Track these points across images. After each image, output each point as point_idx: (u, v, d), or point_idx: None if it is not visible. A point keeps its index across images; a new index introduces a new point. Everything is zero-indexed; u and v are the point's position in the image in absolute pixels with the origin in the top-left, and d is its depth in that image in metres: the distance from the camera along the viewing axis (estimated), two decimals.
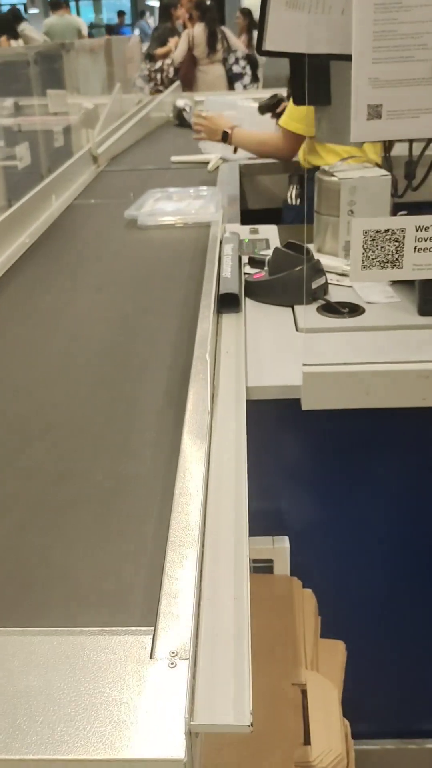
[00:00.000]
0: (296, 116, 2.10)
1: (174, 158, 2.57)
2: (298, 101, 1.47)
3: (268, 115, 2.53)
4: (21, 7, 17.41)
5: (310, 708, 0.92)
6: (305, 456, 1.17)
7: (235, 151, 2.47)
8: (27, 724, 0.52)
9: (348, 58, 1.05)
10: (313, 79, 1.25)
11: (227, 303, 1.20)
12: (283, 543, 1.08)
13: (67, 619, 0.63)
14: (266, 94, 2.69)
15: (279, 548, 1.07)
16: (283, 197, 2.47)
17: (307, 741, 0.90)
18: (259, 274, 1.29)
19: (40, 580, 0.68)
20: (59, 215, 1.98)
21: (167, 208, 1.90)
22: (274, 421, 1.13)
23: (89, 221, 1.98)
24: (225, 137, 2.40)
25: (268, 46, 1.09)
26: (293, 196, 2.46)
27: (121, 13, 13.93)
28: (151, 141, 3.22)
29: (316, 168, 1.66)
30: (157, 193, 2.04)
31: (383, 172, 1.39)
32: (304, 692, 0.95)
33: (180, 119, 3.52)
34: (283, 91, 2.56)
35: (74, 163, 2.34)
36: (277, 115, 2.44)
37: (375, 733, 1.35)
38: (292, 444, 1.17)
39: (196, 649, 0.58)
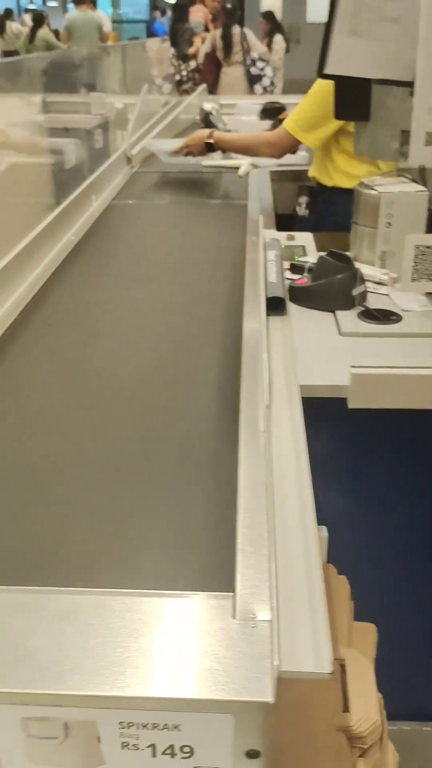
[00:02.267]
0: (304, 126, 2.10)
1: (205, 162, 2.65)
2: (340, 116, 1.55)
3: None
4: (39, 0, 17.48)
5: (349, 680, 1.01)
6: (343, 451, 1.26)
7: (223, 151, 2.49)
8: (145, 670, 0.61)
9: (397, 83, 1.14)
10: (356, 98, 1.33)
11: (273, 306, 1.28)
12: (323, 533, 1.16)
13: (157, 581, 0.71)
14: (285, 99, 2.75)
15: (319, 537, 1.15)
16: (291, 205, 2.53)
17: (346, 709, 0.98)
18: (302, 280, 1.37)
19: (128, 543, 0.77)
20: (99, 215, 2.06)
21: None
22: (315, 418, 1.22)
23: (129, 220, 2.06)
24: (210, 146, 2.41)
25: (328, 70, 1.17)
26: (303, 206, 2.51)
27: (154, 8, 13.96)
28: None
29: (326, 187, 1.74)
30: None
31: (420, 187, 1.48)
32: (342, 666, 1.04)
33: (206, 122, 3.59)
34: (300, 98, 2.62)
35: (111, 164, 2.42)
36: (279, 121, 2.48)
37: (403, 714, 1.43)
38: (330, 440, 1.25)
39: (275, 610, 0.67)
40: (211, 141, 2.38)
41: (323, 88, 1.94)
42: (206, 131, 2.47)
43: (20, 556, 0.77)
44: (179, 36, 6.94)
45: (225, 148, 2.44)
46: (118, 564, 0.76)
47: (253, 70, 6.88)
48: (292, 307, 1.35)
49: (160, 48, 3.97)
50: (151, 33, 12.52)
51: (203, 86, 4.57)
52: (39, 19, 8.87)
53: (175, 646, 0.63)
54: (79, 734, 0.62)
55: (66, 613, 0.67)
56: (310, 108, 2.06)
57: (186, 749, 0.62)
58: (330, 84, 1.86)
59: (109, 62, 2.87)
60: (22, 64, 1.99)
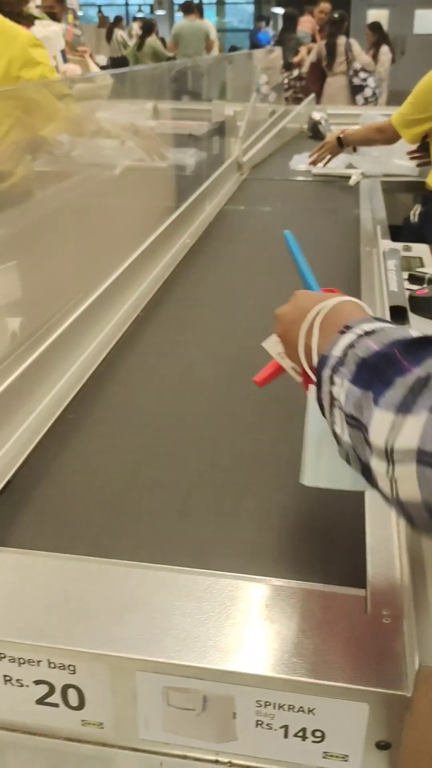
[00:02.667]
0: (403, 123, 2.25)
1: (315, 170, 2.67)
2: None
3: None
4: (147, 8, 17.90)
5: None
6: None
7: (354, 150, 2.68)
8: (285, 654, 0.64)
9: None
10: None
11: (394, 315, 1.29)
12: None
13: (294, 574, 0.74)
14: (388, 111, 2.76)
15: None
16: (400, 215, 2.53)
17: None
18: (423, 290, 1.37)
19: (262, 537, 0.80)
20: (212, 219, 2.11)
21: None
22: None
23: (240, 225, 2.10)
24: (340, 142, 2.56)
25: None
26: (415, 214, 2.52)
27: (259, 18, 14.13)
28: (287, 152, 3.33)
29: None
30: None
31: None
32: None
33: (314, 131, 3.62)
34: None
35: (224, 170, 2.47)
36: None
37: None
38: None
39: (410, 605, 0.68)
40: (341, 136, 2.56)
41: (420, 91, 2.17)
42: (337, 131, 2.64)
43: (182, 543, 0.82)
44: (285, 45, 7.00)
45: (350, 142, 2.58)
46: (254, 553, 0.79)
47: (356, 81, 6.84)
48: (412, 318, 1.36)
49: (269, 57, 4.01)
50: (254, 42, 12.62)
51: (312, 96, 4.58)
52: (149, 27, 9.09)
53: (314, 634, 0.65)
54: (216, 708, 0.65)
55: (203, 593, 0.71)
56: (407, 109, 2.23)
57: (318, 734, 0.64)
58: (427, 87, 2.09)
59: (219, 70, 2.93)
60: (150, 72, 2.07)
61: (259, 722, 0.65)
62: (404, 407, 0.47)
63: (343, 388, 0.54)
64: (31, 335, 1.13)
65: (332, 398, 0.56)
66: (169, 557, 0.76)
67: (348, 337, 0.57)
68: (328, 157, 2.63)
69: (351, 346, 0.55)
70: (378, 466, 0.49)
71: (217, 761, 0.68)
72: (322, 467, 0.68)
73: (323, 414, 0.59)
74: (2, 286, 1.08)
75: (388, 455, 0.48)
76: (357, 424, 0.52)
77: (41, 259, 1.24)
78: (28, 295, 1.13)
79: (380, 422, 0.48)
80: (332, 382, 0.56)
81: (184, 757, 0.68)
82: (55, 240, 1.31)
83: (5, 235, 1.22)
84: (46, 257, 1.26)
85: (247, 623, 0.67)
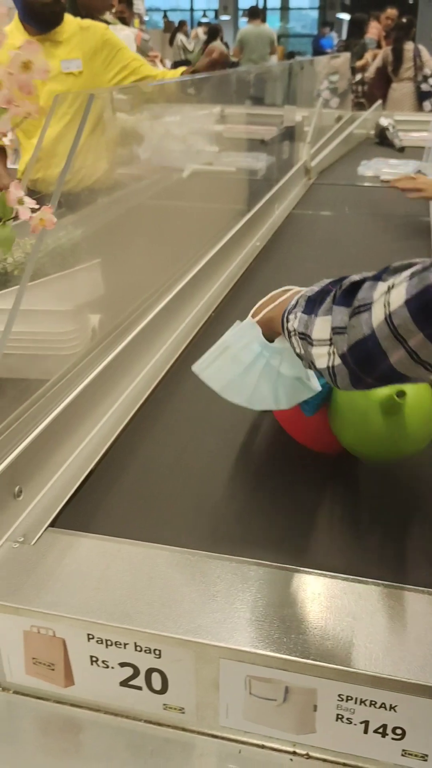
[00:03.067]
0: None
1: (384, 177, 2.66)
2: None
3: None
4: (212, 13, 18.03)
5: None
6: None
7: None
8: (370, 650, 0.65)
9: None
10: None
11: None
12: None
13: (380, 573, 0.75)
14: None
15: None
16: None
17: None
18: None
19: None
20: (281, 223, 2.13)
21: None
22: None
23: (308, 229, 2.11)
24: None
25: None
26: None
27: (324, 24, 14.14)
28: (354, 157, 3.32)
29: None
30: None
31: None
32: None
33: (381, 137, 3.60)
34: None
35: (292, 174, 2.49)
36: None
37: None
38: None
39: None
40: None
41: None
42: None
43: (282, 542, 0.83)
44: (351, 50, 6.97)
45: None
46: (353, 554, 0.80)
47: (424, 87, 6.76)
48: None
49: (334, 63, 4.00)
50: (317, 48, 12.60)
51: (378, 102, 4.56)
52: (214, 32, 9.18)
53: (400, 632, 0.66)
54: (297, 699, 0.66)
55: (286, 588, 0.72)
56: None
57: (398, 731, 0.65)
58: None
59: (286, 76, 2.94)
60: (219, 78, 2.09)
61: (340, 716, 0.66)
62: (327, 311, 0.69)
63: (296, 319, 0.75)
64: (113, 331, 1.16)
65: (289, 332, 0.76)
66: (250, 551, 0.78)
67: (301, 293, 0.77)
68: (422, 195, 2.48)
69: (302, 295, 0.76)
70: (318, 351, 0.70)
71: (294, 752, 0.69)
72: (212, 367, 0.88)
73: (294, 350, 0.77)
74: (89, 283, 1.11)
75: (324, 342, 0.68)
76: (304, 336, 0.72)
77: (123, 257, 1.28)
78: (110, 292, 1.16)
79: (317, 325, 0.70)
80: (287, 320, 0.77)
81: (262, 747, 0.70)
82: (135, 238, 1.34)
83: (90, 232, 1.26)
84: (127, 256, 1.29)
85: (331, 618, 0.68)
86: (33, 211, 0.68)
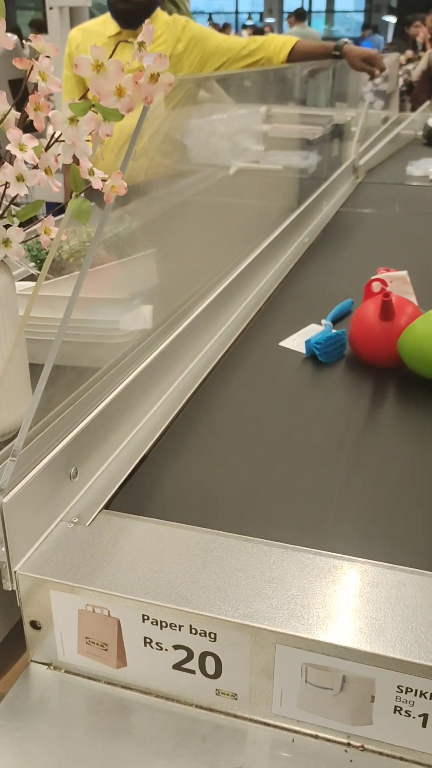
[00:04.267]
0: None
1: None
2: None
3: None
4: (257, 16, 18.07)
5: None
6: None
7: None
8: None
9: None
10: None
11: None
12: None
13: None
14: None
15: None
16: None
17: None
18: None
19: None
20: (329, 221, 2.11)
21: None
22: None
23: (357, 227, 2.09)
24: None
25: None
26: None
27: (365, 27, 14.12)
28: (401, 158, 3.29)
29: None
30: None
31: None
32: None
33: (429, 138, 3.56)
34: None
35: (342, 172, 2.47)
36: None
37: None
38: None
39: None
40: None
41: None
42: None
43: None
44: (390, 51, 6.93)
45: None
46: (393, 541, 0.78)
47: None
48: None
49: (389, 64, 3.98)
50: None
51: (427, 103, 4.51)
52: (259, 34, 9.20)
53: None
54: (355, 689, 0.65)
55: (342, 577, 0.71)
56: None
57: None
58: None
59: (330, 76, 2.93)
60: (263, 77, 2.10)
61: (398, 708, 0.64)
62: None
63: None
64: (165, 321, 1.16)
65: None
66: (303, 540, 0.77)
67: None
68: None
69: None
70: None
71: (349, 744, 0.68)
72: None
73: None
74: (143, 273, 1.12)
75: None
76: None
77: (176, 249, 1.28)
78: (163, 282, 1.17)
79: None
80: None
81: (316, 737, 0.69)
82: (188, 231, 1.34)
83: (141, 226, 1.27)
84: (178, 248, 1.29)
85: (388, 608, 0.67)
86: (103, 181, 0.69)
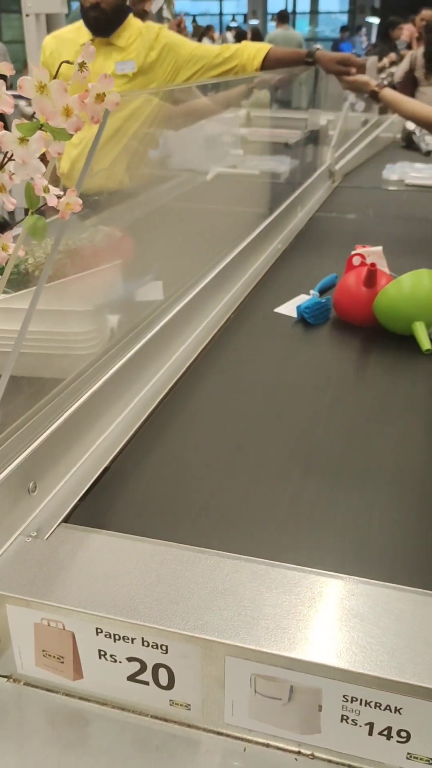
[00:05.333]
0: None
1: (409, 181, 2.65)
2: None
3: None
4: (240, 18, 18.08)
5: None
6: None
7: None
8: (377, 652, 0.65)
9: None
10: None
11: None
12: None
13: (388, 575, 0.75)
14: None
15: None
16: None
17: None
18: None
19: None
20: (303, 226, 2.13)
21: None
22: None
23: (331, 233, 2.11)
24: (374, 95, 2.29)
25: None
26: None
27: (344, 29, 14.16)
28: (379, 161, 3.31)
29: None
30: None
31: None
32: None
33: (408, 141, 3.58)
34: None
35: (317, 178, 2.49)
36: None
37: None
38: None
39: None
40: (377, 90, 2.25)
41: None
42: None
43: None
44: (380, 54, 6.96)
45: (388, 106, 2.31)
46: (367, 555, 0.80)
47: None
48: None
49: (368, 67, 4.00)
50: (336, 51, 12.63)
51: None
52: (243, 36, 9.22)
53: (406, 634, 0.66)
54: (302, 699, 0.66)
55: (293, 587, 0.72)
56: None
57: (403, 734, 0.64)
58: None
59: (311, 80, 2.94)
60: (244, 82, 2.11)
61: (345, 717, 0.66)
62: None
63: None
64: (133, 329, 1.17)
65: None
66: (259, 551, 0.78)
67: None
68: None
69: None
70: None
71: (299, 752, 0.69)
72: None
73: None
74: (109, 284, 1.12)
75: None
76: None
77: (144, 258, 1.29)
78: (131, 291, 1.18)
79: None
80: None
81: (267, 746, 0.70)
82: (156, 240, 1.35)
83: (111, 233, 1.28)
84: (148, 255, 1.30)
85: (336, 619, 0.68)
86: (58, 198, 0.70)
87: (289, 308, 1.48)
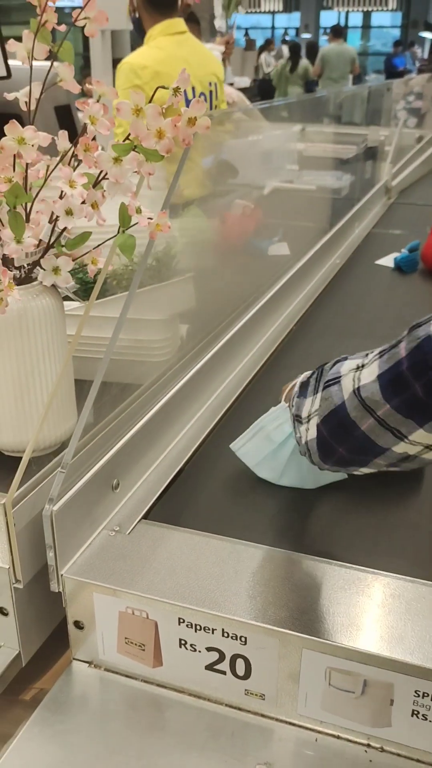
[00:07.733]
0: None
1: None
2: None
3: None
4: (292, 32, 18.17)
5: None
6: None
7: None
8: None
9: None
10: None
11: None
12: None
13: None
14: None
15: None
16: None
17: None
18: None
19: None
20: (360, 242, 2.16)
21: None
22: None
23: (389, 249, 2.13)
24: None
25: None
26: None
27: (396, 43, 14.12)
28: None
29: None
30: None
31: None
32: None
33: None
34: None
35: (374, 194, 2.51)
36: None
37: None
38: None
39: None
40: None
41: None
42: None
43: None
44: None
45: None
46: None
47: None
48: None
49: (412, 83, 4.02)
50: (389, 66, 12.61)
51: None
52: (298, 50, 9.31)
53: None
54: (375, 693, 0.70)
55: (366, 588, 0.76)
56: None
57: None
58: None
59: (365, 96, 2.98)
60: (306, 101, 2.16)
61: (416, 712, 0.69)
62: (312, 391, 0.79)
63: (294, 404, 0.83)
64: (201, 340, 1.22)
65: (293, 416, 0.83)
66: (334, 553, 0.82)
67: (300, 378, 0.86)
68: None
69: (300, 381, 0.85)
70: (300, 428, 0.80)
71: (369, 745, 0.72)
72: (247, 446, 0.97)
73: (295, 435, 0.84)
74: (182, 294, 1.17)
75: (307, 418, 0.78)
76: (296, 417, 0.81)
77: (211, 271, 1.34)
78: (199, 304, 1.23)
79: (305, 405, 0.79)
80: (291, 407, 0.84)
81: (338, 737, 0.73)
82: (224, 257, 1.40)
83: (185, 249, 1.33)
84: (214, 272, 1.36)
85: (408, 619, 0.71)
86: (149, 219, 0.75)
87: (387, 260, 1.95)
